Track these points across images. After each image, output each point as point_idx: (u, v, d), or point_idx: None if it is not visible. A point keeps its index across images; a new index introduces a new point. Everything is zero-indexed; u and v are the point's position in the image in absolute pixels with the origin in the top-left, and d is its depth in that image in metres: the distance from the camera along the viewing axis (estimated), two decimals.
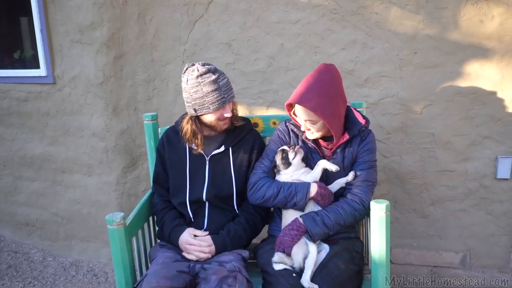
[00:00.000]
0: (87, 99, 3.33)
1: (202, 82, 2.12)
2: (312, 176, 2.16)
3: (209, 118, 2.21)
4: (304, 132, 2.22)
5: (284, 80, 2.95)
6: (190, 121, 2.24)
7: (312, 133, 2.16)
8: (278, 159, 2.19)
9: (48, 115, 3.55)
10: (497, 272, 2.92)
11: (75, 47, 3.27)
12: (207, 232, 2.22)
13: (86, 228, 3.66)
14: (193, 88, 2.14)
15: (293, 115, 2.23)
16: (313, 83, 2.08)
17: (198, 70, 2.14)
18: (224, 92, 2.15)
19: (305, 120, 2.12)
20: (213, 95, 2.13)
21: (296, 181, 2.16)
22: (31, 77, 3.51)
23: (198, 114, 2.20)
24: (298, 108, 2.12)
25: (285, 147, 2.19)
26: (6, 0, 3.82)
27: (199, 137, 2.24)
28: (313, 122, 2.11)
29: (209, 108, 2.15)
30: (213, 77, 2.13)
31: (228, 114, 2.20)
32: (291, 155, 2.16)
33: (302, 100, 2.05)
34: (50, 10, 3.30)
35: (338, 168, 2.12)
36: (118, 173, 3.39)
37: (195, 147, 2.27)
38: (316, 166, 2.16)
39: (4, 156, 3.87)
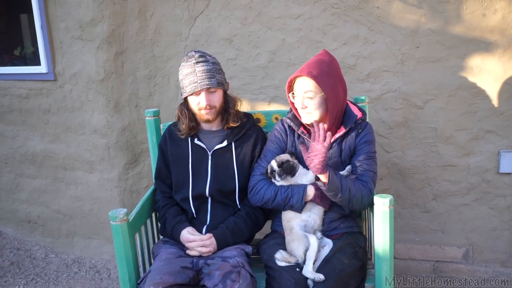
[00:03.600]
0: (88, 95, 3.33)
1: (184, 65, 2.22)
2: (308, 179, 2.17)
3: (191, 103, 2.27)
4: (301, 126, 2.22)
5: (286, 75, 2.92)
6: (180, 106, 2.32)
7: (309, 113, 2.12)
8: (268, 171, 2.18)
9: (49, 112, 3.54)
10: (500, 267, 2.92)
11: (76, 44, 3.26)
12: (209, 235, 2.19)
13: (88, 225, 3.67)
14: (179, 70, 2.25)
15: (291, 98, 2.20)
16: (313, 61, 2.14)
17: (187, 54, 2.24)
18: (199, 77, 2.17)
19: (305, 92, 2.10)
20: (189, 78, 2.19)
21: (293, 184, 2.16)
22: (32, 74, 3.51)
23: (182, 96, 2.27)
24: (298, 83, 2.12)
25: (275, 166, 2.14)
26: None
27: (184, 122, 2.28)
28: (312, 96, 2.09)
29: (186, 91, 2.22)
30: (193, 61, 2.19)
31: (202, 102, 2.21)
32: (277, 178, 2.14)
33: (303, 71, 2.08)
34: (50, 6, 3.29)
35: (342, 173, 2.11)
36: (120, 170, 3.38)
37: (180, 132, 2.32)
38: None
39: (6, 153, 3.87)
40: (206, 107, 2.21)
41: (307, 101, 2.11)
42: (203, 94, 2.19)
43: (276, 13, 2.86)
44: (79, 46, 3.25)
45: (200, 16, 3.01)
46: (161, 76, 3.20)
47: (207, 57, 2.23)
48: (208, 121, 2.28)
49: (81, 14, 3.14)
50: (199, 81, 2.17)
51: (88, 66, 3.24)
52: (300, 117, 2.20)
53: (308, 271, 1.93)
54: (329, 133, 1.98)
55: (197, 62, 2.18)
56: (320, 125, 1.99)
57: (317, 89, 2.08)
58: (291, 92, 2.18)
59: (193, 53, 2.22)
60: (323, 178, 2.01)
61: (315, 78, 2.04)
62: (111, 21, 3.09)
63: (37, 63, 3.47)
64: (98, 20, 3.09)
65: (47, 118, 3.57)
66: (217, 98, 2.25)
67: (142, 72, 3.22)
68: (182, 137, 2.31)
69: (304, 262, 1.99)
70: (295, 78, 2.14)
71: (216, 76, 2.21)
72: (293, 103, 2.21)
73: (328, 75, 2.08)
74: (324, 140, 1.96)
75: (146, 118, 2.59)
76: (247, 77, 3.01)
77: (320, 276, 1.89)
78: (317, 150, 1.97)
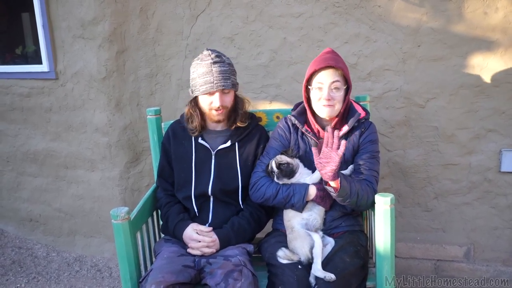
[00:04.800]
0: (89, 94, 3.33)
1: (199, 63, 2.20)
2: (311, 179, 2.16)
3: (202, 102, 2.24)
4: (305, 124, 2.21)
5: (287, 74, 2.94)
6: (189, 104, 2.31)
7: (332, 105, 2.10)
8: (268, 169, 2.18)
9: (50, 110, 3.55)
10: (501, 266, 2.92)
11: (77, 42, 3.26)
12: (210, 228, 2.20)
13: (89, 223, 3.67)
14: (192, 68, 2.23)
15: (311, 91, 2.16)
16: (328, 56, 2.14)
17: (202, 53, 2.23)
18: (215, 78, 2.16)
19: (332, 82, 2.09)
20: (204, 78, 2.17)
21: (295, 183, 2.16)
22: (34, 72, 3.51)
23: (193, 95, 2.25)
24: (323, 74, 2.10)
25: (274, 167, 2.13)
26: None
27: (195, 119, 2.27)
28: (339, 87, 2.10)
29: (199, 91, 2.20)
30: (210, 61, 2.17)
31: (216, 103, 2.20)
32: (275, 179, 2.15)
33: (331, 63, 2.08)
34: (52, 5, 3.30)
35: (345, 173, 2.11)
36: (121, 168, 3.38)
37: (191, 129, 2.30)
38: (317, 170, 2.14)
39: (7, 152, 3.87)
40: (218, 108, 2.21)
41: (334, 93, 2.11)
42: (217, 94, 2.19)
43: (277, 12, 2.86)
44: (81, 44, 3.25)
45: (201, 14, 3.01)
46: (162, 74, 3.20)
47: (223, 57, 2.22)
48: (218, 121, 2.28)
49: (83, 12, 3.14)
50: (215, 82, 2.16)
51: (90, 65, 3.24)
52: (312, 111, 2.18)
53: (318, 269, 1.93)
54: (343, 141, 1.94)
55: (214, 62, 2.17)
56: (335, 132, 1.96)
57: (343, 81, 2.11)
58: (310, 86, 2.16)
59: (209, 52, 2.21)
60: (334, 184, 2.00)
61: (342, 69, 2.08)
62: (113, 20, 3.09)
63: (39, 61, 3.47)
64: (99, 19, 3.09)
65: (48, 117, 3.58)
66: (229, 99, 2.25)
67: (143, 71, 3.22)
68: (194, 135, 2.30)
69: (308, 260, 1.99)
70: (319, 69, 2.10)
71: (231, 78, 2.22)
72: (306, 98, 2.20)
73: (347, 68, 2.14)
74: (338, 148, 1.94)
75: (148, 116, 2.59)
76: (248, 75, 3.01)
77: (331, 276, 1.89)
78: (330, 157, 1.94)
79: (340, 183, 1.97)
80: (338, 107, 2.13)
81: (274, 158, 2.17)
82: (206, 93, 2.19)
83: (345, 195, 2.00)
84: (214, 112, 2.23)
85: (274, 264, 2.03)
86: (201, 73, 2.17)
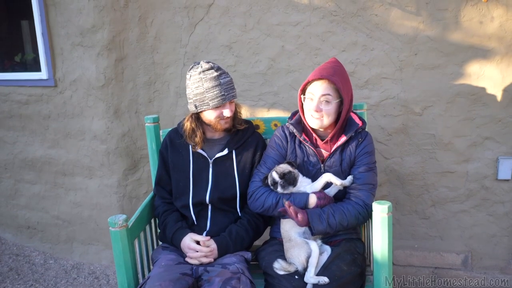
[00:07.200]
0: (88, 101, 3.34)
1: (203, 78, 2.17)
2: (313, 187, 2.16)
3: (208, 116, 2.23)
4: (303, 133, 2.22)
5: (285, 82, 2.96)
6: (190, 119, 2.28)
7: (321, 118, 2.11)
8: (269, 182, 2.18)
9: (49, 118, 3.55)
10: (499, 273, 2.92)
11: (76, 50, 3.27)
12: (208, 238, 2.19)
13: (87, 230, 3.66)
14: (194, 84, 2.19)
15: (302, 101, 2.18)
16: (329, 66, 2.13)
17: (201, 66, 2.19)
18: (224, 90, 2.18)
19: (323, 95, 2.09)
20: (214, 92, 2.16)
21: (295, 192, 2.17)
22: (32, 80, 3.52)
23: (198, 110, 2.22)
24: (316, 85, 2.11)
25: (276, 178, 2.13)
26: (8, 4, 3.83)
27: (198, 134, 2.26)
28: (329, 100, 2.09)
29: (209, 105, 2.18)
30: (215, 74, 2.17)
31: (227, 113, 2.21)
32: (279, 190, 2.15)
33: (323, 75, 2.07)
34: (51, 13, 3.31)
35: (344, 183, 2.12)
36: (119, 176, 3.39)
37: (193, 144, 2.28)
38: (320, 177, 2.15)
39: (5, 159, 3.87)
40: (228, 117, 2.23)
41: (324, 105, 2.10)
42: (227, 105, 2.21)
43: (275, 20, 2.88)
44: (80, 52, 3.26)
45: (200, 23, 3.03)
46: (161, 82, 3.21)
47: (218, 66, 2.23)
48: (225, 130, 2.29)
49: (82, 21, 3.16)
50: (226, 94, 2.18)
51: (89, 72, 3.25)
52: (306, 121, 2.18)
53: (311, 276, 1.94)
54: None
55: (220, 74, 2.19)
56: (287, 202, 2.07)
57: (335, 94, 2.10)
58: (303, 95, 2.17)
59: (209, 65, 2.20)
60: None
61: (336, 82, 2.06)
62: (112, 28, 3.11)
63: (38, 69, 3.48)
64: (98, 27, 3.11)
65: (47, 124, 3.58)
66: (234, 106, 2.29)
67: (142, 79, 3.23)
68: (195, 149, 2.30)
69: (304, 269, 1.99)
70: (312, 80, 2.12)
71: (234, 86, 2.25)
72: (301, 107, 2.20)
73: (346, 81, 2.12)
74: (296, 216, 2.05)
75: (146, 124, 2.60)
76: (246, 83, 3.02)
77: (325, 279, 1.90)
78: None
79: (314, 229, 2.05)
80: (327, 119, 2.12)
81: (274, 169, 2.17)
82: (218, 106, 2.19)
83: (325, 232, 2.06)
84: (222, 122, 2.25)
85: (271, 274, 2.02)
86: (209, 87, 2.16)
